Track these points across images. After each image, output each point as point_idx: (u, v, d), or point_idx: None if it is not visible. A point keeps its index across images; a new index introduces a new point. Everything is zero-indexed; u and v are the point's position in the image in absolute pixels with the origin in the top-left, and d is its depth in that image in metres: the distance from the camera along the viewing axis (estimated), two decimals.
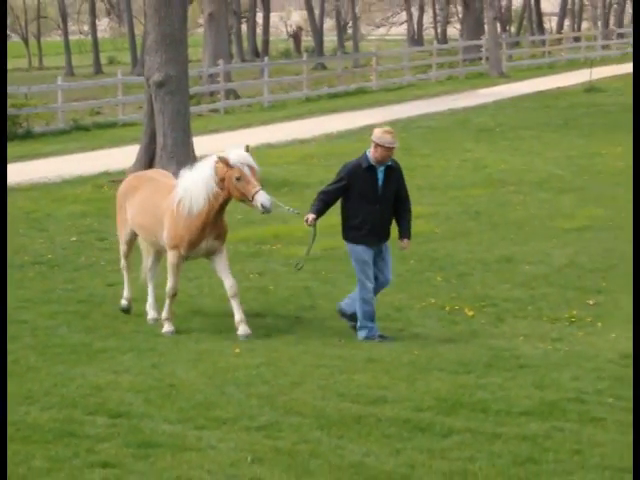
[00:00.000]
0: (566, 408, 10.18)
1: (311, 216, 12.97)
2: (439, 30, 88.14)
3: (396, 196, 13.14)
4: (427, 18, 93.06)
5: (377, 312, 13.24)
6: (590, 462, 8.85)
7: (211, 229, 13.22)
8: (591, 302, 14.63)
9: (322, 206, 13.10)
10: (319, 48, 72.10)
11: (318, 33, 73.78)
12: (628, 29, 70.94)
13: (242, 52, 72.78)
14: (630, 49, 65.87)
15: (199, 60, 49.39)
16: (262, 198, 12.67)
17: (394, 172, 13.08)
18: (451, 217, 20.39)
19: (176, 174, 20.97)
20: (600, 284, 15.65)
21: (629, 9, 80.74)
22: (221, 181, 12.93)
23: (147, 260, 14.41)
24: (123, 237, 14.46)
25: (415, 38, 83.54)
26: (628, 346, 12.44)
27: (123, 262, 14.65)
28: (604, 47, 66.05)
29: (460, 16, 76.70)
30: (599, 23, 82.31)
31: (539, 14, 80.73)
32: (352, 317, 13.34)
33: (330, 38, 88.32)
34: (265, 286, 15.23)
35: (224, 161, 12.84)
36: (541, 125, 33.70)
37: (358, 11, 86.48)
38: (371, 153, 12.89)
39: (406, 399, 10.42)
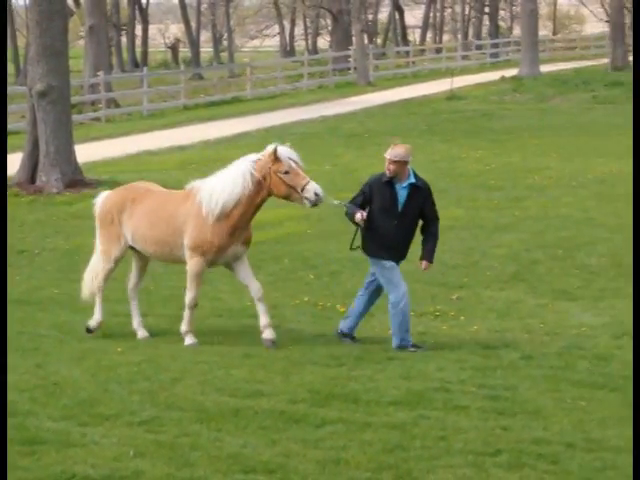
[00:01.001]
0: (432, 397, 10.24)
1: (359, 214, 12.25)
2: (310, 42, 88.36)
3: (422, 217, 12.46)
4: (298, 30, 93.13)
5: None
6: (454, 447, 8.91)
7: (240, 233, 12.42)
8: (454, 297, 14.78)
9: (355, 206, 12.42)
10: (196, 59, 71.79)
11: (195, 45, 73.44)
12: (486, 41, 71.81)
13: (122, 63, 72.03)
14: (488, 59, 66.81)
15: (80, 71, 48.72)
16: (315, 187, 12.11)
17: (420, 191, 12.36)
18: (323, 218, 20.40)
19: (59, 180, 20.68)
20: (462, 280, 15.84)
21: (486, 22, 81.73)
22: (262, 179, 12.20)
23: (135, 276, 13.40)
24: (113, 254, 13.07)
25: (287, 49, 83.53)
26: (490, 337, 12.61)
27: (101, 283, 13.23)
28: (464, 58, 66.72)
29: (329, 29, 76.78)
30: (459, 35, 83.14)
31: (403, 27, 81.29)
32: (353, 337, 12.82)
33: (206, 50, 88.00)
34: (146, 287, 15.10)
35: (271, 156, 12.13)
36: (406, 131, 33.91)
37: (233, 24, 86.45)
38: (386, 168, 12.37)
39: (281, 392, 10.37)
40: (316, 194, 12.06)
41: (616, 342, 12.28)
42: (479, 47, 70.73)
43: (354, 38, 56.78)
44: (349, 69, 56.97)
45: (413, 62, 63.07)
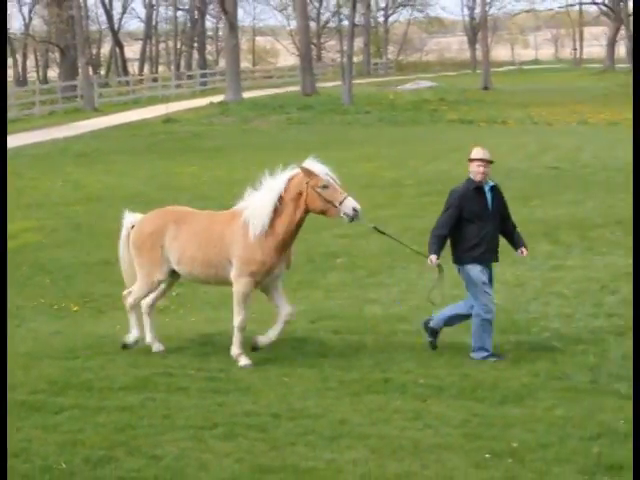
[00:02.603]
0: (157, 381, 10.18)
1: (433, 257, 10.87)
2: (41, 73, 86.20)
3: (501, 216, 11.18)
4: (31, 62, 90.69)
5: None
6: (178, 424, 8.90)
7: (285, 252, 11.00)
8: (174, 293, 14.71)
9: (440, 243, 10.96)
10: None
11: None
12: (196, 72, 71.79)
13: None
14: (198, 87, 66.92)
15: None
16: (353, 202, 10.63)
17: (499, 192, 11.17)
18: (57, 229, 19.97)
19: None
20: None
21: (196, 55, 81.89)
22: (298, 195, 10.80)
23: (156, 296, 11.77)
24: (157, 278, 11.34)
25: (20, 79, 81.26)
26: (206, 327, 12.60)
27: (139, 300, 11.56)
28: (177, 86, 66.49)
29: (58, 61, 75.15)
30: (172, 67, 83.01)
31: (124, 60, 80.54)
32: (436, 333, 11.37)
33: None
34: None
35: (308, 172, 10.73)
36: (129, 150, 33.57)
37: None
38: (476, 173, 10.93)
39: (23, 384, 10.10)
40: (354, 209, 10.66)
41: (312, 326, 12.52)
42: (190, 77, 70.65)
43: (80, 70, 55.76)
44: (77, 97, 55.81)
45: (133, 90, 62.40)
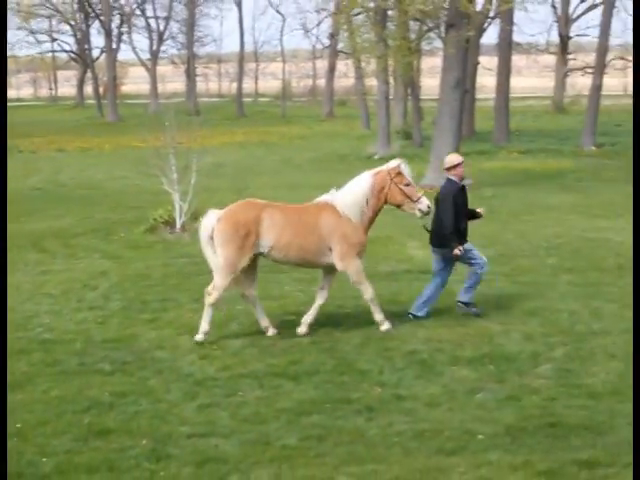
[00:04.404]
0: None
1: (459, 249, 11.35)
2: None
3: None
4: None
5: None
6: None
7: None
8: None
9: (457, 236, 11.40)
10: None
11: None
12: None
13: None
14: None
15: None
16: (427, 201, 11.10)
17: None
18: None
19: None
20: None
21: None
22: (381, 189, 11.00)
23: (248, 283, 11.08)
24: (241, 264, 10.72)
25: None
26: None
27: (219, 294, 10.79)
28: None
29: None
30: None
31: None
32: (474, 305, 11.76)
33: None
34: None
35: (395, 171, 10.99)
36: None
37: None
38: (456, 175, 11.54)
39: None
40: (428, 206, 11.09)
41: None
42: None
43: None
44: None
45: None
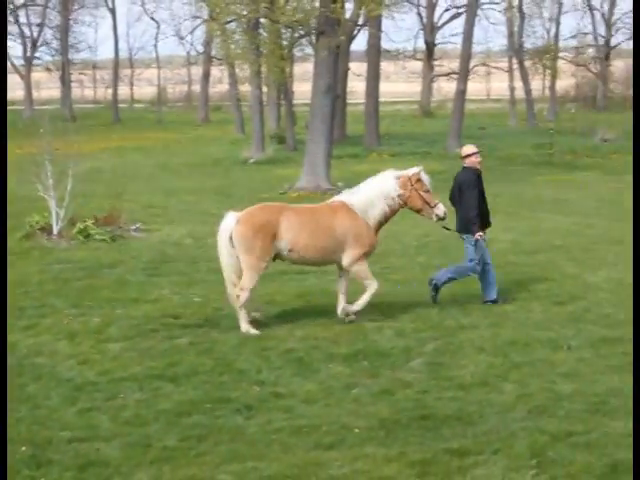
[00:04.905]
0: None
1: (480, 235, 12.02)
2: None
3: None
4: None
5: None
6: None
7: None
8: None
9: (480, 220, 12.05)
10: None
11: None
12: None
13: None
14: None
15: None
16: (444, 207, 11.59)
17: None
18: None
19: None
20: None
21: None
22: (400, 194, 11.31)
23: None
24: (264, 265, 10.95)
25: None
26: None
27: (247, 295, 10.87)
28: None
29: None
30: None
31: None
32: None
33: None
34: None
35: (416, 177, 11.33)
36: None
37: None
38: (476, 162, 12.18)
39: None
40: (445, 212, 11.53)
41: None
42: None
43: None
44: None
45: None
